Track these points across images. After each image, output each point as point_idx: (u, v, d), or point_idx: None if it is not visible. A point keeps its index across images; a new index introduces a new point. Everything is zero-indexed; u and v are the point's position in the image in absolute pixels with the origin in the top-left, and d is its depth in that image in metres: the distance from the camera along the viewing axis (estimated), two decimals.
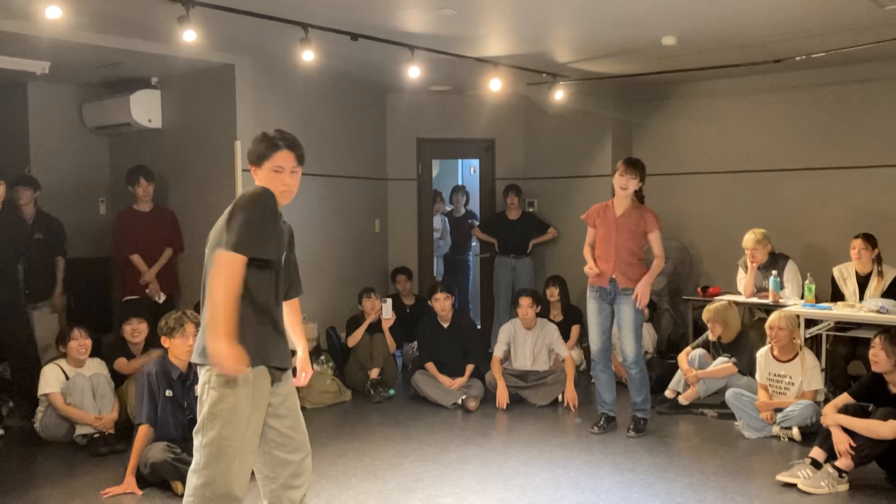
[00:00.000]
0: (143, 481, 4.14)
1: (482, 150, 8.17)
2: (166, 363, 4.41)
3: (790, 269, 5.99)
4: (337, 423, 5.50)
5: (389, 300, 6.42)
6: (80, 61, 5.87)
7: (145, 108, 6.40)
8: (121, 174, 6.44)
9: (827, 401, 4.75)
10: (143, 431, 4.21)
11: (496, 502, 4.02)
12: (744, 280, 6.18)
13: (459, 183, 9.58)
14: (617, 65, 6.36)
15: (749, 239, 6.06)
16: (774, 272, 5.95)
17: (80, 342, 5.06)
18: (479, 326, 7.84)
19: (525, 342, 6.09)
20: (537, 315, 6.13)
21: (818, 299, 5.65)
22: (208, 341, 2.58)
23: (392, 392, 6.22)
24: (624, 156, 7.50)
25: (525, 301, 6.05)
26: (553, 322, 6.38)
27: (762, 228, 6.10)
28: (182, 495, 3.97)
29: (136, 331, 5.31)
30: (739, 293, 6.21)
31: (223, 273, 2.59)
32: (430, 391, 5.93)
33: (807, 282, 5.72)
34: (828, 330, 5.43)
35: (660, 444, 4.94)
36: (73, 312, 6.23)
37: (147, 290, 5.98)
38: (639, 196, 5.04)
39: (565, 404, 5.81)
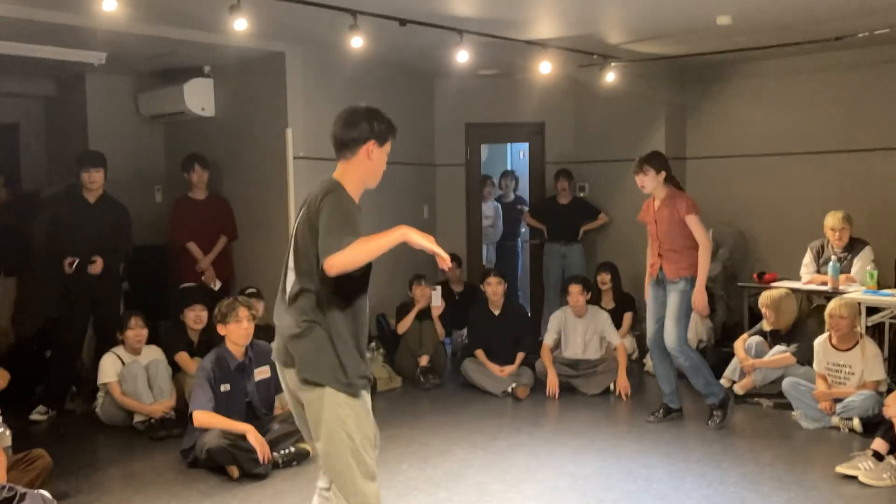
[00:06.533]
0: (198, 465, 4.25)
1: (531, 134, 8.08)
2: (223, 355, 4.43)
3: (865, 254, 5.78)
4: (387, 409, 5.54)
5: (439, 288, 6.42)
6: (135, 52, 5.98)
7: (198, 97, 6.48)
8: (176, 162, 6.56)
9: (890, 391, 4.61)
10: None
11: (547, 490, 4.00)
12: (808, 267, 6.01)
13: (508, 168, 9.52)
14: (670, 45, 6.22)
15: (837, 218, 5.83)
16: (834, 258, 5.77)
17: (137, 332, 5.18)
18: (528, 314, 7.79)
19: (576, 330, 6.04)
20: (588, 302, 6.07)
21: (881, 286, 5.47)
22: None
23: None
24: (678, 138, 7.44)
25: (575, 288, 5.99)
26: (605, 310, 6.30)
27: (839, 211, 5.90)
28: (237, 479, 4.08)
29: (199, 318, 5.39)
30: (799, 279, 6.05)
31: None
32: (479, 379, 5.92)
33: (869, 268, 5.54)
34: (891, 318, 5.26)
35: (714, 434, 4.85)
36: (132, 299, 6.38)
37: (203, 278, 6.09)
38: (674, 183, 4.99)
39: (617, 393, 5.75)
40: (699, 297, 4.83)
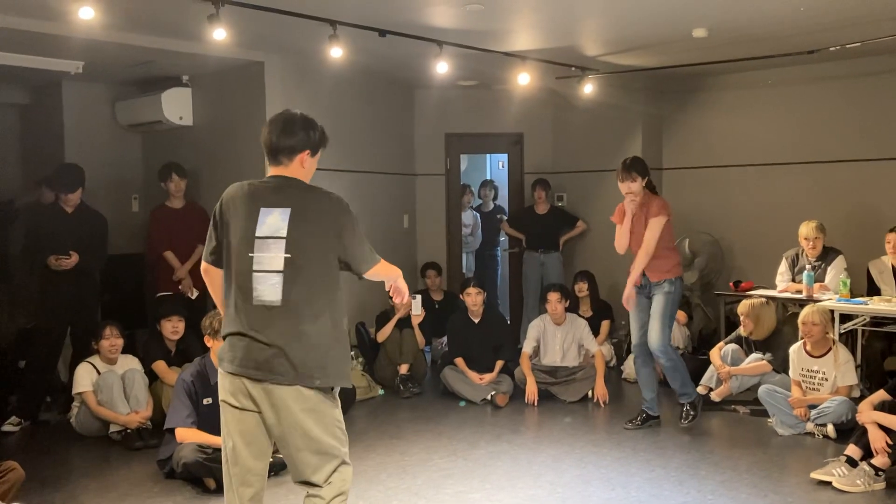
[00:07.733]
0: (175, 476, 4.21)
1: (510, 144, 8.14)
2: (205, 367, 4.34)
3: (838, 263, 5.86)
4: (366, 418, 5.53)
5: (419, 296, 6.42)
6: (112, 60, 5.94)
7: (176, 106, 6.46)
8: (153, 172, 6.51)
9: (863, 397, 4.67)
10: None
11: (526, 498, 4.01)
12: (784, 275, 6.08)
13: (488, 178, 9.56)
14: (647, 57, 6.29)
15: (811, 228, 5.90)
16: (808, 267, 5.85)
17: (112, 341, 5.13)
18: (507, 322, 7.82)
19: (555, 338, 6.07)
20: (566, 310, 6.10)
21: (853, 294, 5.55)
22: None
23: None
24: (654, 149, 7.52)
25: (553, 296, 6.02)
26: (582, 317, 6.34)
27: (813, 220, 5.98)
28: (214, 490, 4.04)
29: (176, 329, 5.34)
30: (774, 287, 6.12)
31: None
32: (459, 387, 5.93)
33: (842, 276, 5.62)
34: (863, 325, 5.33)
35: (691, 441, 4.89)
36: (109, 308, 6.32)
37: (180, 287, 6.05)
38: (651, 188, 5.01)
39: (595, 400, 5.78)
40: (626, 296, 4.99)
